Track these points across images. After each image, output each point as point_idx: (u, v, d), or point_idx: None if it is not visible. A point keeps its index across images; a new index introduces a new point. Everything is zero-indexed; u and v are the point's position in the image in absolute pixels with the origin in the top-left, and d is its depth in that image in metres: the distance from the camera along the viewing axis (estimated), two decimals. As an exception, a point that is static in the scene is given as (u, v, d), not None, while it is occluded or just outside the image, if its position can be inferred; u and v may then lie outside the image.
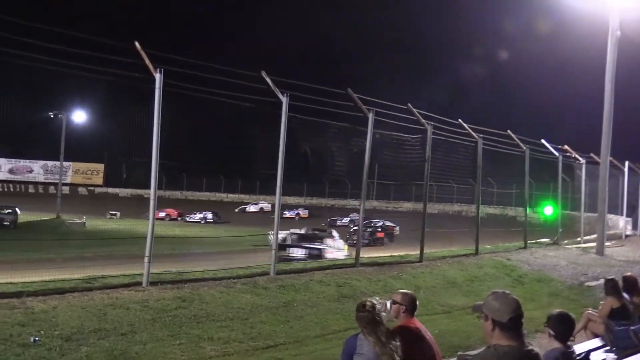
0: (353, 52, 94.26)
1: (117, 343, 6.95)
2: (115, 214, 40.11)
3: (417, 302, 4.59)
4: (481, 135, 16.25)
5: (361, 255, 12.83)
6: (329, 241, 19.67)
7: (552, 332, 3.89)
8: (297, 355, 7.41)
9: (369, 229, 24.77)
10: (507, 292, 2.98)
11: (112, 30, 54.41)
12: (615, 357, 5.92)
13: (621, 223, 26.05)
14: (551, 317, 3.95)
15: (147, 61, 9.25)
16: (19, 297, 7.70)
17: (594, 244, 19.61)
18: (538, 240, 20.36)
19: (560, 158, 20.80)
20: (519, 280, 13.70)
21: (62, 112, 41.43)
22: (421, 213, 14.80)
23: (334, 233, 21.58)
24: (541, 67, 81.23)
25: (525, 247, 18.05)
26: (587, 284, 13.90)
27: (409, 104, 13.97)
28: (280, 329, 8.31)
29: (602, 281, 8.88)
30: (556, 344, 3.86)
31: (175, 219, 42.75)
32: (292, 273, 11.16)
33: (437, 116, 14.84)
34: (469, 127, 15.95)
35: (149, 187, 9.85)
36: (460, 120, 15.89)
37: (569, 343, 3.89)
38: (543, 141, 20.05)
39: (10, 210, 32.46)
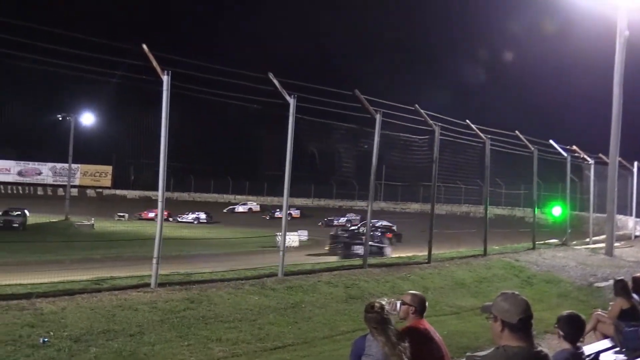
0: (358, 53, 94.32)
1: (126, 344, 6.98)
2: (123, 216, 40.37)
3: (427, 303, 4.59)
4: (489, 136, 16.20)
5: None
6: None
7: (561, 333, 3.87)
8: (305, 357, 7.41)
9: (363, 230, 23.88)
10: (517, 293, 2.97)
11: (112, 30, 54.83)
12: (625, 358, 5.88)
13: (630, 223, 25.88)
14: (561, 318, 3.93)
15: (154, 63, 9.27)
16: (28, 299, 7.75)
17: (603, 245, 19.47)
18: (547, 241, 20.28)
19: (569, 158, 20.70)
20: (528, 281, 13.63)
21: (70, 114, 41.78)
22: (429, 214, 14.80)
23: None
24: (549, 67, 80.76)
25: (533, 248, 17.96)
26: (596, 284, 13.80)
27: (417, 105, 13.93)
28: (289, 330, 8.31)
29: (611, 282, 8.85)
30: (566, 345, 3.84)
31: (167, 219, 42.73)
32: (300, 274, 11.15)
33: (444, 117, 14.77)
34: (477, 128, 15.92)
35: (156, 189, 9.92)
36: (468, 121, 15.86)
37: (578, 344, 3.88)
38: (551, 142, 19.98)
39: (19, 213, 32.73)
